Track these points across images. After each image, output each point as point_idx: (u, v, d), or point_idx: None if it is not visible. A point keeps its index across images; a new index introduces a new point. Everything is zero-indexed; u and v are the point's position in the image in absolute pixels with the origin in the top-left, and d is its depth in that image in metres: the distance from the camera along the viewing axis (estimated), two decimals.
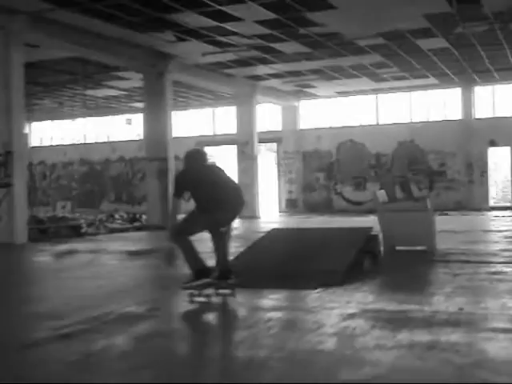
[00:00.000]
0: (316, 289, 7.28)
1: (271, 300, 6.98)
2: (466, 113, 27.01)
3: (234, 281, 7.10)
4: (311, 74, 23.66)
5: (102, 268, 10.22)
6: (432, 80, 25.88)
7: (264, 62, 21.32)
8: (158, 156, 20.31)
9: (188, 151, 7.61)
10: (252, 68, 22.38)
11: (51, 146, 35.55)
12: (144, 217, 21.58)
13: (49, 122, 35.23)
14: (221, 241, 7.26)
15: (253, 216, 24.97)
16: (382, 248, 10.43)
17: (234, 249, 10.19)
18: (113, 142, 33.85)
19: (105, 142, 34.09)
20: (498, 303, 6.22)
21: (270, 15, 15.67)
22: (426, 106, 27.95)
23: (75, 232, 17.66)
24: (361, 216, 22.77)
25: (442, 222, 18.34)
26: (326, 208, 28.90)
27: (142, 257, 11.73)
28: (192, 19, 15.82)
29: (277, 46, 18.97)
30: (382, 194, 11.43)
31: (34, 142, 35.78)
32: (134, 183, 32.94)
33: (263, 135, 29.69)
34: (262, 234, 10.81)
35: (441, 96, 27.70)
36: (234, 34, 17.45)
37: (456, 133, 26.90)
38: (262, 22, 16.29)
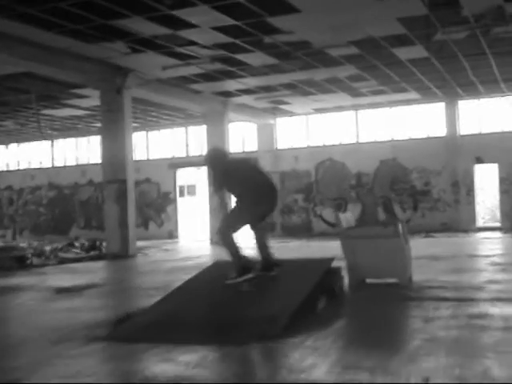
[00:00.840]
0: (245, 344, 5.64)
1: (173, 365, 5.28)
2: (451, 129, 25.57)
3: (276, 272, 7.66)
4: (284, 88, 22.15)
5: (8, 312, 8.55)
6: (413, 94, 24.45)
7: (231, 75, 19.80)
8: (117, 178, 18.66)
9: (213, 149, 8.69)
10: (220, 83, 20.84)
11: (18, 170, 33.82)
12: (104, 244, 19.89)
13: (15, 144, 33.54)
14: (261, 235, 7.82)
15: None
16: (347, 282, 8.83)
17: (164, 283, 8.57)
18: (82, 165, 32.21)
19: (74, 166, 32.43)
20: (478, 369, 4.60)
21: (228, 21, 14.14)
22: (408, 122, 26.44)
23: (20, 263, 15.95)
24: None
25: (424, 245, 16.86)
26: (306, 231, 27.31)
27: (69, 295, 10.06)
28: (142, 26, 14.28)
29: (241, 57, 17.45)
30: (346, 218, 9.80)
31: None
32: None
33: (238, 155, 28.22)
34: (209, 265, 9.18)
35: (423, 111, 26.20)
36: (193, 43, 15.92)
37: (440, 150, 25.43)
38: (220, 29, 14.76)
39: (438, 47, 17.29)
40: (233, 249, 7.38)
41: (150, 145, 30.98)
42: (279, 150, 28.30)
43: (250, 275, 7.33)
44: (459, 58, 19.01)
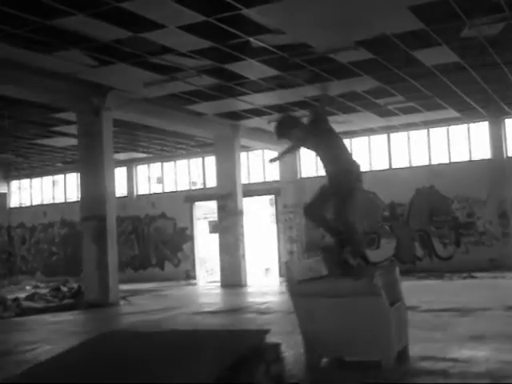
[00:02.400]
0: None
1: None
2: (496, 150, 22.23)
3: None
4: (298, 108, 19.26)
5: None
6: (452, 113, 21.30)
7: (230, 93, 17.10)
8: (95, 214, 16.03)
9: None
10: (220, 103, 18.15)
11: (31, 206, 31.66)
12: None
13: (28, 180, 31.45)
14: None
15: (237, 284, 20.48)
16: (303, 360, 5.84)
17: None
18: None
19: None
20: None
21: (197, 17, 11.44)
22: (447, 144, 23.20)
23: None
24: None
25: (458, 289, 13.80)
26: None
27: None
28: (91, 27, 11.68)
29: (233, 67, 14.74)
30: (305, 266, 6.78)
31: (12, 202, 32.05)
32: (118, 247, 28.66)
33: (259, 186, 25.45)
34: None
35: (465, 132, 22.92)
36: (166, 50, 13.28)
37: (485, 175, 22.09)
38: (189, 29, 12.05)
39: (468, 48, 14.19)
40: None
41: (165, 177, 28.41)
42: (303, 179, 25.32)
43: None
44: (500, 65, 15.95)
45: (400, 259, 23.10)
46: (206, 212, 41.39)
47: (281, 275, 24.90)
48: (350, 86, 17.04)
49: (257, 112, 19.61)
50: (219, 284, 21.43)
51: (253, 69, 14.88)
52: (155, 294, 18.74)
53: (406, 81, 16.70)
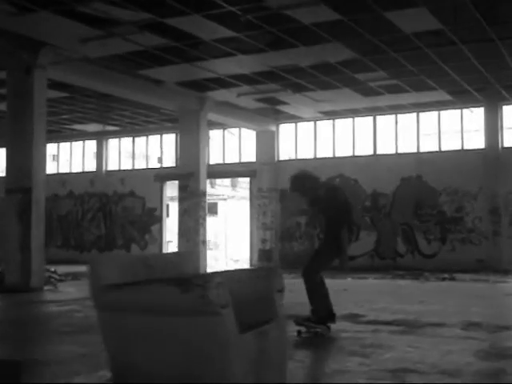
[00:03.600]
0: None
1: None
2: (491, 140, 20.07)
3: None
4: (268, 80, 17.20)
5: None
6: (443, 95, 19.17)
7: (183, 56, 15.04)
8: (19, 186, 14.03)
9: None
10: (176, 68, 16.08)
11: None
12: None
13: None
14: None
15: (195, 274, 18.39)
16: None
17: None
18: (62, 173, 27.90)
19: (53, 174, 28.09)
20: None
21: None
22: (437, 130, 21.06)
23: None
24: (353, 274, 16.54)
25: (423, 293, 11.82)
26: None
27: None
28: None
29: (175, 22, 12.64)
30: (135, 262, 4.68)
31: None
32: (84, 224, 26.82)
33: (234, 167, 23.42)
34: None
35: (457, 118, 20.76)
36: None
37: (477, 167, 19.97)
38: None
39: (451, 11, 12.08)
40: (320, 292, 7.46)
41: (136, 153, 26.41)
42: (281, 161, 23.25)
43: (325, 327, 7.38)
44: (497, 44, 13.88)
45: (380, 254, 21.12)
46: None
47: (251, 264, 22.95)
48: (321, 56, 14.96)
49: (223, 83, 17.54)
50: None
51: (201, 26, 12.80)
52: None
53: (384, 52, 14.59)
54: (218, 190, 41.37)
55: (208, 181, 43.82)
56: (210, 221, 41.84)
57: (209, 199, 42.38)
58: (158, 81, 17.40)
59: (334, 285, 14.96)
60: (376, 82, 17.37)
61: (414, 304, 10.70)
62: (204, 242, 19.19)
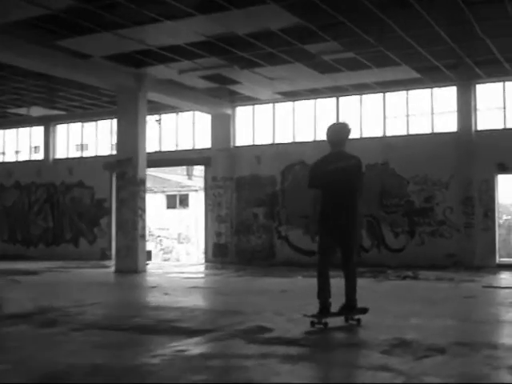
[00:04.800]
0: None
1: None
2: (464, 122, 18.13)
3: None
4: (207, 53, 15.19)
5: None
6: (410, 72, 17.24)
7: (99, 22, 13.01)
8: None
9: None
10: (99, 39, 14.06)
11: None
12: None
13: None
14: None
15: (132, 270, 16.56)
16: None
17: None
18: (7, 162, 25.92)
19: None
20: None
21: None
22: (406, 112, 19.10)
23: None
24: (310, 270, 14.91)
25: (369, 296, 9.86)
26: (267, 258, 20.23)
27: None
28: None
29: None
30: None
31: None
32: (31, 217, 24.82)
33: (187, 154, 21.46)
34: None
35: (427, 98, 18.79)
36: None
37: (449, 152, 18.06)
38: None
39: None
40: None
41: (85, 140, 24.40)
42: (237, 148, 21.27)
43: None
44: (471, 21, 12.10)
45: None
46: (151, 181, 37.38)
47: (207, 260, 21.02)
48: (258, 21, 13.01)
49: (157, 56, 15.57)
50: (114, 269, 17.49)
51: None
52: (23, 279, 14.69)
53: (332, 17, 12.59)
54: (196, 181, 39.38)
55: (185, 172, 42.14)
56: (182, 213, 40.21)
57: (180, 191, 40.67)
58: (84, 55, 15.36)
59: (276, 285, 13.14)
60: (330, 55, 15.39)
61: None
62: (143, 236, 17.20)
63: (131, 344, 6.49)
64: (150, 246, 41.22)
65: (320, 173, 7.23)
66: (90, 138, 24.15)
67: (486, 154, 17.62)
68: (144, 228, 17.29)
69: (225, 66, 16.41)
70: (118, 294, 11.94)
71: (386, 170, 18.86)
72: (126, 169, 17.27)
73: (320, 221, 7.23)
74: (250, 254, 20.56)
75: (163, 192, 40.86)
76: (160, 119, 22.60)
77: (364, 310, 7.39)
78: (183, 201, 40.53)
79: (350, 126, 7.46)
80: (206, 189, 21.67)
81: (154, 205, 40.93)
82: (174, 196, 41.03)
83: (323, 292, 7.19)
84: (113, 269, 17.46)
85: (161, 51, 15.04)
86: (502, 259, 18.31)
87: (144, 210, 17.29)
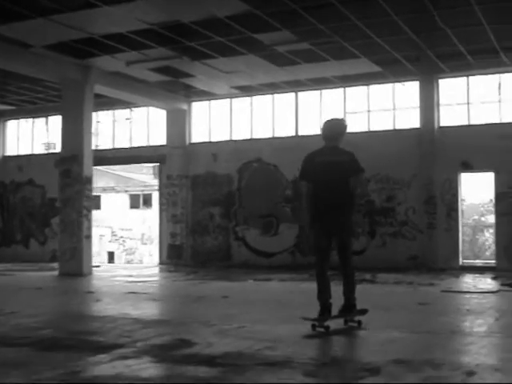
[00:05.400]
0: None
1: None
2: (427, 118, 17.42)
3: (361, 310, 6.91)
4: (149, 40, 14.28)
5: None
6: (370, 65, 16.50)
7: (31, 5, 12.03)
8: None
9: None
10: (31, 25, 13.06)
11: None
12: None
13: None
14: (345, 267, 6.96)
15: (76, 273, 15.60)
16: None
17: None
18: None
19: None
20: None
21: None
22: (367, 108, 18.34)
23: None
24: (267, 273, 14.43)
25: (311, 302, 9.10)
26: (223, 259, 19.37)
27: None
28: None
29: None
30: None
31: None
32: None
33: (141, 152, 20.51)
34: None
35: (389, 93, 18.06)
36: None
37: (411, 149, 17.34)
38: None
39: None
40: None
41: (35, 136, 23.33)
42: (193, 144, 20.37)
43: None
44: (430, 9, 11.38)
45: (302, 250, 18.36)
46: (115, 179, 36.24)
47: (162, 262, 20.09)
48: (204, 8, 12.21)
49: (101, 46, 14.61)
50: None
51: None
52: None
53: (280, 3, 11.77)
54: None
55: (151, 170, 41.03)
56: (145, 213, 39.16)
57: (143, 190, 39.63)
58: (23, 43, 14.37)
59: (222, 290, 12.28)
60: (284, 45, 14.56)
61: (285, 322, 7.89)
62: (88, 237, 16.22)
63: (17, 365, 5.57)
64: (112, 247, 40.45)
65: (310, 166, 7.04)
66: (41, 134, 23.07)
67: (449, 152, 16.93)
68: (90, 228, 16.33)
69: (174, 58, 15.51)
70: (47, 301, 10.98)
71: None
72: (70, 166, 16.34)
73: (311, 217, 6.96)
74: (205, 255, 19.69)
75: (126, 191, 39.84)
76: (130, 118, 21.62)
77: (363, 311, 7.17)
78: (147, 200, 39.53)
79: (347, 123, 7.44)
80: (161, 187, 20.74)
81: (117, 204, 39.95)
82: (138, 195, 40.03)
83: (322, 293, 6.97)
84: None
85: (104, 40, 14.11)
86: (465, 261, 17.64)
87: (90, 210, 16.34)
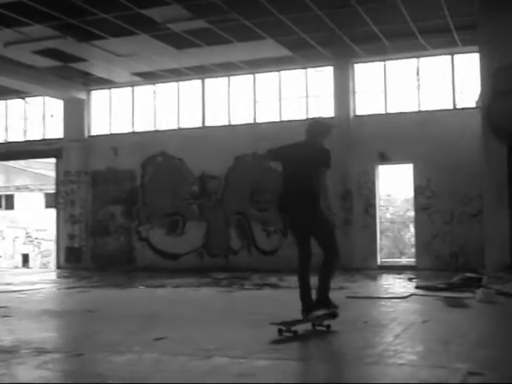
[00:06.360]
0: None
1: None
2: (341, 107, 16.11)
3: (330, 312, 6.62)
4: (22, 16, 12.51)
5: None
6: (280, 49, 15.07)
7: None
8: None
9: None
10: None
11: None
12: None
13: None
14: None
15: None
16: None
17: None
18: None
19: None
20: None
21: None
22: (278, 96, 16.94)
23: None
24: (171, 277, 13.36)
25: (195, 314, 7.52)
26: (126, 262, 17.68)
27: None
28: None
29: None
30: None
31: None
32: None
33: (37, 146, 18.63)
34: None
35: (301, 79, 16.71)
36: None
37: (325, 140, 15.87)
38: None
39: None
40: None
41: None
42: (92, 137, 18.61)
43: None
44: None
45: (210, 252, 16.88)
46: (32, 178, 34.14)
47: (59, 266, 18.27)
48: None
49: None
50: None
51: None
52: None
53: None
54: None
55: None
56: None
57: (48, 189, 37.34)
58: None
59: (97, 300, 10.69)
60: (178, 23, 13.05)
61: (119, 352, 6.31)
62: None
63: None
64: (27, 249, 38.13)
65: (281, 151, 7.25)
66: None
67: (365, 143, 15.70)
68: None
69: (56, 38, 13.77)
70: None
71: (257, 161, 16.62)
72: None
73: (278, 206, 7.13)
74: (106, 258, 17.97)
75: (41, 190, 37.57)
76: (53, 115, 19.64)
77: (333, 315, 6.71)
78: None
79: (330, 126, 7.39)
80: (58, 185, 18.90)
81: (32, 204, 37.68)
82: (54, 194, 37.72)
83: (301, 293, 6.65)
84: None
85: None
86: (385, 260, 16.47)
87: None
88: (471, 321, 7.66)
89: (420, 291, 10.69)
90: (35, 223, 37.08)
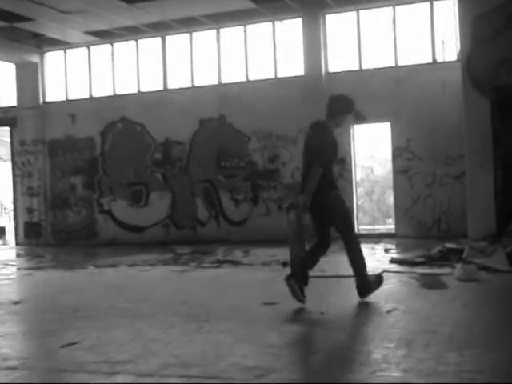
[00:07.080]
0: None
1: None
2: (312, 64, 14.85)
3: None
4: None
5: None
6: (242, 1, 13.74)
7: None
8: None
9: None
10: None
11: None
12: None
13: None
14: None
15: None
16: None
17: None
18: None
19: None
20: None
21: None
22: (244, 54, 15.64)
23: None
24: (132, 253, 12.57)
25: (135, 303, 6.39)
26: (88, 237, 16.54)
27: None
28: None
29: None
30: None
31: None
32: None
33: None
34: None
35: (268, 35, 15.40)
36: None
37: (296, 101, 14.74)
38: None
39: None
40: None
41: None
42: (48, 104, 17.31)
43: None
44: None
45: (176, 223, 15.75)
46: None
47: (18, 242, 17.11)
48: None
49: None
50: None
51: None
52: None
53: None
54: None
55: None
56: None
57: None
58: None
59: (29, 287, 9.63)
60: None
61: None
62: None
63: None
64: (2, 221, 36.91)
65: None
66: None
67: None
68: None
69: None
70: None
71: (223, 125, 15.43)
72: None
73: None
74: (67, 233, 16.81)
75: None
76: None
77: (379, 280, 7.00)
78: None
79: (354, 102, 7.03)
80: (14, 155, 17.63)
81: (5, 175, 36.34)
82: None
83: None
84: None
85: None
86: (363, 227, 15.39)
87: None
88: (446, 307, 6.54)
89: (394, 266, 9.61)
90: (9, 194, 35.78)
